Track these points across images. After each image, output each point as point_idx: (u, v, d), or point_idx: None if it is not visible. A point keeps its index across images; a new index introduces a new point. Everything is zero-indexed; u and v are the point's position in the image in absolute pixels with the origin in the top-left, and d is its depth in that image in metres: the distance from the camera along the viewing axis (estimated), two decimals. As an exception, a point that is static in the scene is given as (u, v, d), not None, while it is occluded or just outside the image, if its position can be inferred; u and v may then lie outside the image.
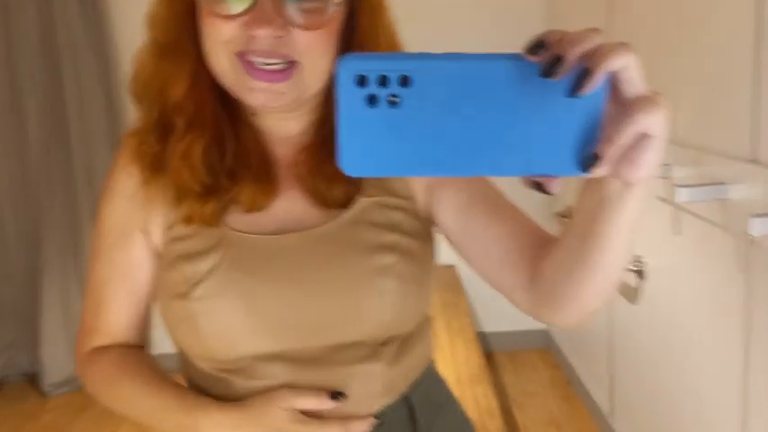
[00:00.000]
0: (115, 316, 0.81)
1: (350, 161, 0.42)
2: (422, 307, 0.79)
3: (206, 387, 0.77)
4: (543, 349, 3.11)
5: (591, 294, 0.61)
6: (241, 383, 0.74)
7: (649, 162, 0.44)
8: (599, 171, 0.43)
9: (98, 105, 2.86)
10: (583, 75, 0.40)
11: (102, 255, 0.80)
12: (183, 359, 0.80)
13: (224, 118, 0.74)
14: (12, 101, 2.88)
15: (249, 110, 0.75)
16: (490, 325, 3.07)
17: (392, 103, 0.41)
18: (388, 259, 0.73)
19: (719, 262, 1.39)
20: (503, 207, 0.74)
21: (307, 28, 0.66)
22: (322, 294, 0.72)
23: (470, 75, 0.41)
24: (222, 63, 0.68)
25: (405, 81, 0.41)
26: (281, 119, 0.76)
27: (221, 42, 0.67)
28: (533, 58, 0.41)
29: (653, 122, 0.42)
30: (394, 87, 0.41)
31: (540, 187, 0.46)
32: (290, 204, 0.76)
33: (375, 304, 0.72)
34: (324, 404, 0.73)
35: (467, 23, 2.74)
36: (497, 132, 0.42)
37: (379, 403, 0.77)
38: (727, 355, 1.40)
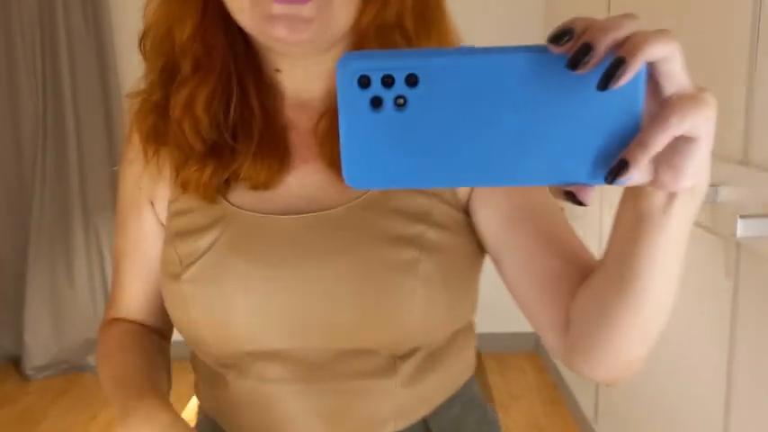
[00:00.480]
0: (128, 291, 0.75)
1: (354, 172, 0.38)
2: (455, 316, 0.66)
3: (204, 381, 0.72)
4: (531, 352, 3.08)
5: (628, 340, 0.51)
6: (235, 382, 0.66)
7: (695, 168, 0.37)
8: (629, 180, 0.36)
9: (93, 94, 2.84)
10: (616, 65, 0.34)
11: (120, 226, 0.75)
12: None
13: (236, 70, 0.65)
14: (8, 89, 2.86)
15: (272, 62, 0.66)
16: (478, 326, 2.99)
17: (399, 106, 0.37)
18: (409, 254, 0.61)
19: (707, 266, 1.37)
20: (556, 229, 0.62)
21: None
22: (333, 288, 0.61)
23: (486, 71, 0.36)
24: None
25: (412, 80, 0.36)
26: (305, 77, 0.65)
27: None
28: (558, 49, 0.35)
29: (697, 123, 0.35)
30: (400, 88, 0.36)
31: (572, 197, 0.39)
32: (304, 180, 0.66)
33: (394, 306, 0.61)
34: None
35: (465, 22, 2.70)
36: (519, 136, 0.37)
37: (384, 430, 0.65)
38: (713, 362, 1.38)
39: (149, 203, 0.72)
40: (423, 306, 0.61)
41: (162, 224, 0.71)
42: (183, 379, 0.95)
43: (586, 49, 0.34)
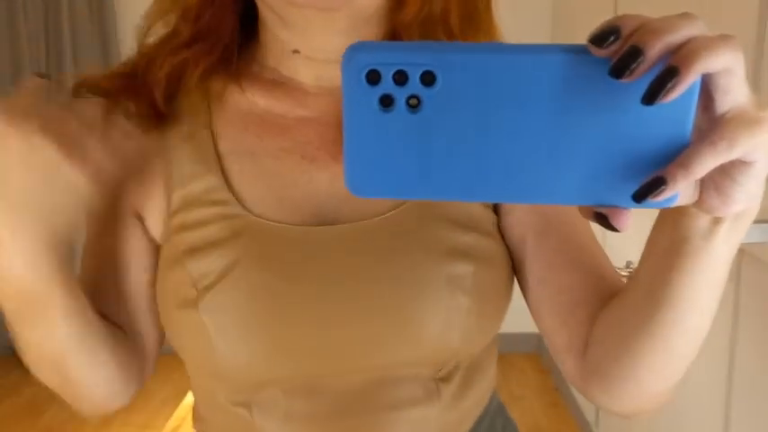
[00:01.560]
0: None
1: (358, 178, 0.34)
2: (497, 326, 0.61)
3: (218, 423, 0.62)
4: (533, 353, 3.07)
5: (654, 373, 0.46)
6: (259, 422, 0.57)
7: (746, 193, 0.32)
8: (664, 203, 0.32)
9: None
10: (668, 75, 0.29)
11: (92, 244, 0.62)
12: (194, 390, 0.64)
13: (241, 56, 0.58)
14: (13, 83, 2.87)
15: (288, 43, 0.58)
16: (481, 326, 3.02)
17: (412, 107, 0.32)
18: (463, 268, 0.54)
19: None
20: (582, 246, 0.56)
21: None
22: (375, 308, 0.53)
23: (513, 72, 0.31)
24: None
25: (429, 79, 0.32)
26: (327, 58, 0.57)
27: None
28: (601, 52, 0.30)
29: (753, 147, 0.30)
30: (415, 87, 0.32)
31: (604, 221, 0.34)
32: (335, 180, 0.57)
33: (441, 325, 0.54)
34: None
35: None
36: (548, 148, 0.32)
37: None
38: (715, 366, 1.36)
39: (135, 219, 0.60)
40: (473, 321, 0.55)
41: (153, 241, 0.61)
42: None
43: (635, 54, 0.29)
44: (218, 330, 0.53)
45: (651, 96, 0.30)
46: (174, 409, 2.57)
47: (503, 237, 0.60)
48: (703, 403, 1.42)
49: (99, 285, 0.60)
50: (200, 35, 0.57)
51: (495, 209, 0.60)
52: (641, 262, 0.43)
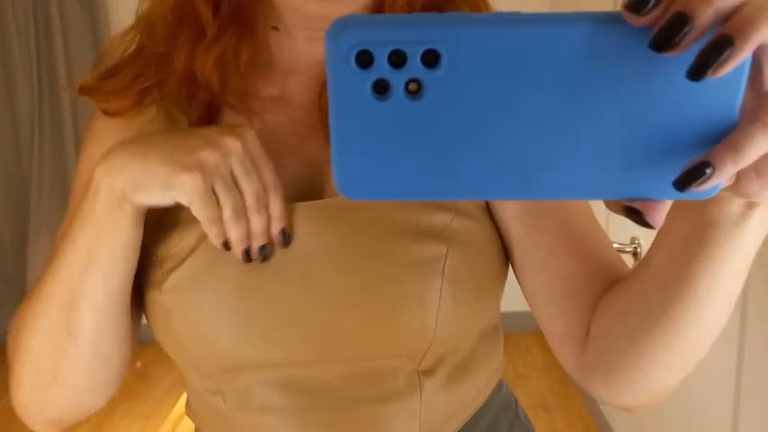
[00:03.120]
0: None
1: (349, 178, 0.28)
2: (484, 316, 0.57)
3: (200, 408, 0.61)
4: (538, 331, 3.04)
5: (664, 368, 0.43)
6: (235, 414, 0.56)
7: None
8: (706, 192, 0.28)
9: (86, 57, 2.80)
10: (722, 46, 0.24)
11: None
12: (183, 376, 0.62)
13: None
14: (3, 73, 2.83)
15: (270, 18, 0.56)
16: (485, 305, 3.00)
17: (412, 93, 0.27)
18: (435, 249, 0.51)
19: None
20: (582, 228, 0.53)
21: None
22: (343, 293, 0.51)
23: (533, 48, 0.26)
24: None
25: (432, 59, 0.26)
26: (309, 38, 0.56)
27: None
28: (640, 20, 0.25)
29: None
30: (415, 69, 0.26)
31: (637, 216, 0.30)
32: (302, 162, 0.55)
33: (417, 310, 0.51)
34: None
35: None
36: (573, 135, 0.27)
37: None
38: (724, 335, 1.34)
39: None
40: (449, 308, 0.52)
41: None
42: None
43: (682, 22, 0.24)
44: (177, 310, 0.52)
45: (700, 70, 0.25)
46: (177, 398, 2.56)
47: (494, 220, 0.56)
48: (711, 373, 1.39)
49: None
50: (226, 24, 0.54)
51: None
52: (654, 249, 0.39)
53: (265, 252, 0.51)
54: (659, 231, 0.38)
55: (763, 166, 0.28)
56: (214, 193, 0.48)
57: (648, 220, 0.29)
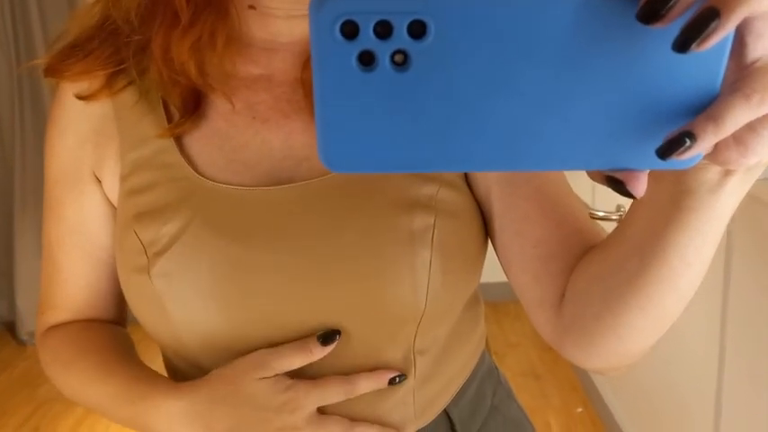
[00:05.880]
0: (73, 287, 0.62)
1: (334, 151, 0.28)
2: (470, 286, 0.58)
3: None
4: (527, 300, 3.09)
5: (637, 331, 0.43)
6: None
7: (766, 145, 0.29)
8: (687, 161, 0.28)
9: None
10: (708, 18, 0.25)
11: (52, 210, 0.61)
12: (164, 364, 0.63)
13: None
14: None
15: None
16: (474, 275, 3.03)
17: (398, 65, 0.27)
18: (424, 220, 0.52)
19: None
20: (555, 195, 0.53)
21: None
22: (338, 271, 0.51)
23: (520, 18, 0.26)
24: None
25: (418, 29, 0.26)
26: (287, 14, 0.55)
27: None
28: None
29: None
30: (401, 40, 0.26)
31: (619, 186, 0.30)
32: (289, 139, 0.54)
33: (404, 280, 0.51)
34: (315, 353, 0.52)
35: None
36: (560, 106, 0.28)
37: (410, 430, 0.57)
38: (707, 307, 1.36)
39: (94, 179, 0.59)
40: (438, 278, 0.52)
41: (111, 204, 0.59)
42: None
43: None
44: (172, 297, 0.52)
45: (686, 42, 0.25)
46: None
47: (472, 190, 0.57)
48: (697, 349, 1.42)
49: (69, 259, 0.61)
50: (200, 7, 0.53)
51: None
52: (631, 215, 0.40)
53: (401, 379, 0.55)
54: (637, 201, 0.39)
55: (742, 135, 0.29)
56: None
57: (631, 189, 0.30)
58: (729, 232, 1.24)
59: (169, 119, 0.56)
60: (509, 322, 2.89)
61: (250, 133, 0.55)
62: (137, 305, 0.55)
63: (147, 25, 0.54)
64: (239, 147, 0.55)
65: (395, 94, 0.27)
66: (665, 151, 0.27)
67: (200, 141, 0.55)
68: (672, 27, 0.26)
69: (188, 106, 0.55)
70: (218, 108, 0.56)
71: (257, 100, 0.56)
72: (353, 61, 0.27)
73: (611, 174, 0.30)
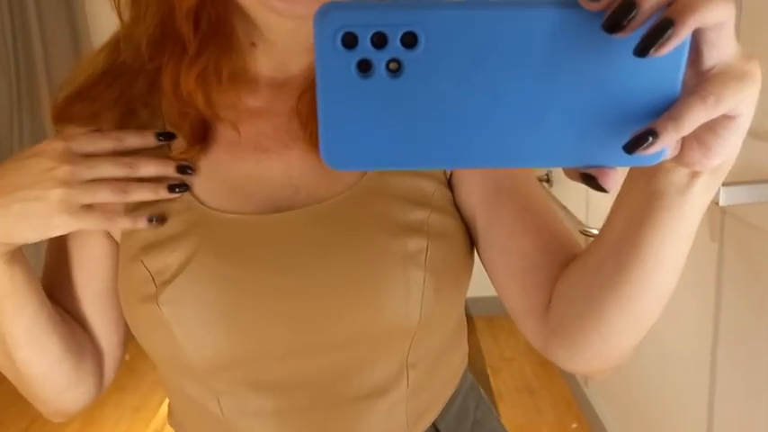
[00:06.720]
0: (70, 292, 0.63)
1: (335, 150, 0.31)
2: (459, 301, 0.61)
3: (189, 419, 0.63)
4: (522, 315, 3.09)
5: (618, 330, 0.45)
6: (229, 419, 0.58)
7: (728, 146, 0.32)
8: (653, 158, 0.31)
9: (64, 51, 2.77)
10: (663, 28, 0.28)
11: (53, 244, 0.63)
12: (166, 387, 0.64)
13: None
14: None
15: (248, 35, 0.57)
16: (469, 290, 3.03)
17: (392, 71, 0.30)
18: (417, 243, 0.55)
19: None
20: (536, 209, 0.57)
21: None
22: (338, 292, 0.54)
23: (501, 29, 0.30)
24: None
25: (410, 40, 0.30)
26: (285, 52, 0.58)
27: None
28: (593, 6, 0.29)
29: (739, 101, 0.30)
30: (395, 49, 0.30)
31: (592, 181, 0.33)
32: (289, 168, 0.58)
33: (399, 300, 0.54)
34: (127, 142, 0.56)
35: None
36: (537, 109, 0.31)
37: None
38: (699, 330, 1.37)
39: None
40: (430, 296, 0.55)
41: (112, 238, 0.61)
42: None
43: (629, 7, 0.28)
44: (179, 322, 0.54)
45: (644, 48, 0.29)
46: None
47: (459, 211, 0.60)
48: (689, 365, 1.43)
49: (59, 280, 0.63)
50: (207, 40, 0.56)
51: (449, 183, 0.60)
52: (609, 220, 0.43)
53: (182, 189, 0.56)
54: (613, 204, 0.42)
55: (703, 137, 0.32)
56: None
57: (602, 184, 0.33)
58: (720, 253, 1.26)
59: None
60: (504, 337, 2.90)
61: (251, 163, 0.58)
62: (144, 333, 0.57)
63: (156, 58, 0.57)
64: (241, 176, 0.58)
65: (390, 99, 0.31)
66: (632, 147, 0.31)
67: (204, 172, 0.58)
68: (634, 36, 0.29)
69: (197, 136, 0.58)
70: (222, 139, 0.59)
71: (258, 131, 0.59)
72: (353, 68, 0.30)
73: (584, 170, 0.33)
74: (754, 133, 1.06)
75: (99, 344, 0.65)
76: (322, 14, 0.29)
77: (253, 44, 0.58)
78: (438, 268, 0.55)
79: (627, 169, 0.34)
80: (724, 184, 1.02)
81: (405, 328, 0.55)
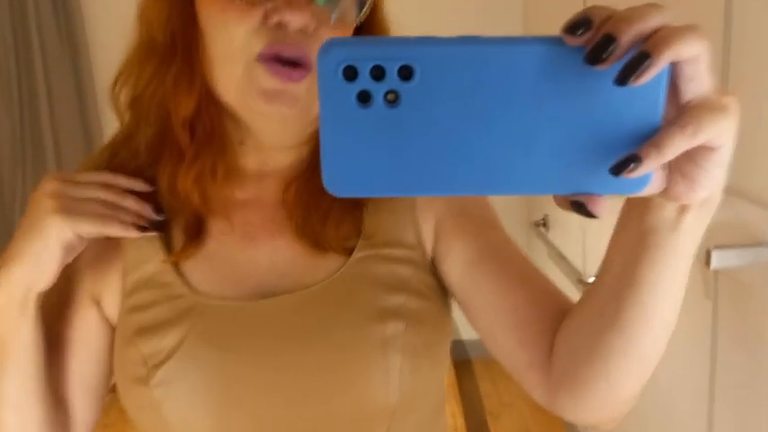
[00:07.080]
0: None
1: (336, 177, 0.33)
2: (437, 386, 0.64)
3: None
4: (521, 359, 3.07)
5: (624, 373, 0.46)
6: None
7: (712, 179, 0.34)
8: (638, 181, 0.33)
9: (69, 100, 2.80)
10: (641, 59, 0.30)
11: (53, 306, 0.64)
12: None
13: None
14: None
15: (236, 135, 0.62)
16: (468, 333, 3.00)
17: (390, 102, 0.32)
18: (395, 327, 0.58)
19: (687, 287, 1.36)
20: (519, 267, 0.59)
21: (335, 26, 0.54)
22: (317, 376, 0.57)
23: (491, 64, 0.32)
24: (235, 70, 0.54)
25: (407, 73, 0.32)
26: (271, 148, 0.63)
27: (237, 44, 0.53)
28: (575, 41, 0.31)
29: (717, 133, 0.32)
30: (393, 82, 0.32)
31: (581, 208, 0.35)
32: (274, 256, 0.62)
33: (378, 383, 0.57)
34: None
35: (442, 22, 2.68)
36: (526, 138, 0.33)
37: None
38: (695, 388, 1.37)
39: (91, 302, 0.64)
40: (407, 378, 0.58)
41: (108, 321, 0.64)
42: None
43: (608, 41, 0.30)
44: (169, 405, 0.57)
45: (624, 78, 0.31)
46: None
47: (444, 284, 0.63)
48: (686, 401, 1.42)
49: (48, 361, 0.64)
50: (202, 145, 0.60)
51: (433, 263, 0.64)
52: (604, 263, 0.44)
53: (150, 231, 0.60)
54: (608, 247, 0.43)
55: (686, 169, 0.34)
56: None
57: (591, 210, 0.34)
58: (715, 309, 1.26)
59: (168, 241, 0.63)
60: (503, 381, 2.87)
61: (238, 250, 0.62)
62: (135, 412, 0.60)
63: (154, 162, 0.61)
64: (229, 264, 0.62)
65: (387, 127, 0.33)
66: (617, 170, 0.32)
67: (193, 261, 0.62)
68: (615, 68, 0.31)
69: (191, 231, 0.62)
70: (212, 229, 0.63)
71: (247, 221, 0.63)
72: (353, 99, 0.32)
73: (573, 198, 0.35)
74: (745, 196, 1.07)
75: (74, 423, 0.66)
76: (325, 49, 0.32)
77: (241, 142, 0.63)
78: (415, 350, 0.58)
79: (614, 196, 0.36)
80: (716, 248, 1.03)
81: (383, 409, 0.58)
